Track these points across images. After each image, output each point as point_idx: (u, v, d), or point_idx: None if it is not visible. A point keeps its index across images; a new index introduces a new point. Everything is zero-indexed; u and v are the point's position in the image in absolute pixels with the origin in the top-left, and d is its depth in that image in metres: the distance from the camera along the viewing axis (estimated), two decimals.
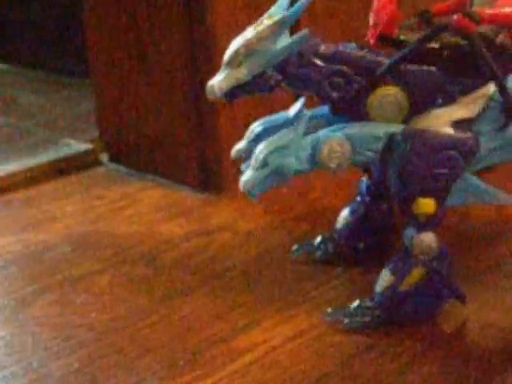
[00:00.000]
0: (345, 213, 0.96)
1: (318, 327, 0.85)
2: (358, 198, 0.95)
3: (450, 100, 0.82)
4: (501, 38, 0.82)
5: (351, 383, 0.77)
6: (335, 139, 0.81)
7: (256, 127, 0.86)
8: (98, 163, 1.34)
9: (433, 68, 0.81)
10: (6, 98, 1.70)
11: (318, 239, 0.98)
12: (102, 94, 1.36)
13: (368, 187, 0.94)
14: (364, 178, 0.94)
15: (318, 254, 0.97)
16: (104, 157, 1.35)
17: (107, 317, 0.89)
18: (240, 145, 0.86)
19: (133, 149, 1.32)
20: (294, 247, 0.98)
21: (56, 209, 1.18)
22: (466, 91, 0.82)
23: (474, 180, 0.83)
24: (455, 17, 0.80)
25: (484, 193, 0.84)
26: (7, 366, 0.81)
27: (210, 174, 1.21)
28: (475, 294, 0.89)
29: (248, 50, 0.80)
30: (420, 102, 0.82)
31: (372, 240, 0.95)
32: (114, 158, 1.34)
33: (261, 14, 0.82)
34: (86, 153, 1.36)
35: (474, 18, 0.79)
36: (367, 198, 0.94)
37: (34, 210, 1.18)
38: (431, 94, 0.82)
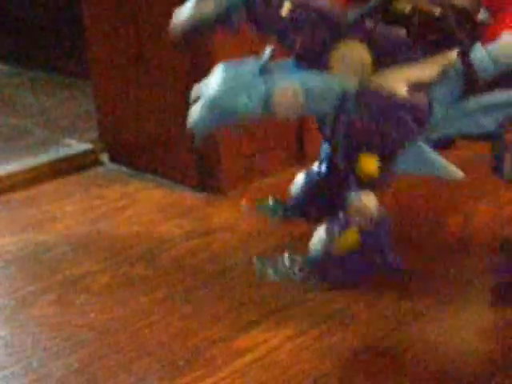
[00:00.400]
0: (300, 179, 0.94)
1: (318, 327, 0.85)
2: (315, 167, 0.93)
3: (413, 62, 0.81)
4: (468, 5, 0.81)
5: (351, 383, 0.77)
6: (289, 85, 0.79)
7: (221, 67, 0.83)
8: (98, 163, 1.34)
9: (401, 30, 0.80)
10: (5, 97, 1.71)
11: (271, 202, 0.97)
12: (101, 94, 1.36)
13: (327, 156, 0.92)
14: (325, 145, 0.92)
15: (272, 215, 0.97)
16: (104, 157, 1.35)
17: (107, 317, 0.89)
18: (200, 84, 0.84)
19: (133, 149, 1.32)
20: (245, 205, 0.99)
21: (56, 209, 1.18)
22: (430, 56, 0.81)
23: (426, 149, 0.82)
24: None
25: (434, 164, 0.82)
26: (7, 366, 0.81)
27: (210, 174, 1.21)
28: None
29: None
30: (383, 61, 0.80)
31: (325, 207, 0.93)
32: (114, 158, 1.34)
33: None
34: (86, 153, 1.36)
35: None
36: (324, 167, 0.92)
37: (34, 210, 1.18)
38: (395, 55, 0.80)
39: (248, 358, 0.81)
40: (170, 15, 1.21)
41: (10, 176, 1.28)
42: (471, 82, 0.79)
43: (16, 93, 1.73)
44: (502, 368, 0.78)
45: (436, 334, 0.83)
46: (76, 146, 1.38)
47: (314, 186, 0.93)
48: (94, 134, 1.38)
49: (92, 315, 0.90)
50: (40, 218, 1.15)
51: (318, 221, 0.90)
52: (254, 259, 0.86)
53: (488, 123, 0.81)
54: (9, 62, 1.89)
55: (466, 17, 0.80)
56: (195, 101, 0.82)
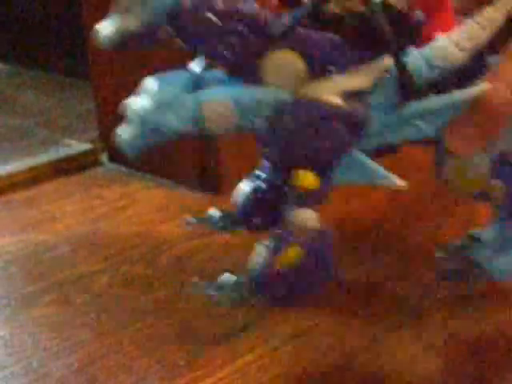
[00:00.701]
0: (244, 187, 0.88)
1: (319, 327, 0.85)
2: (258, 172, 0.87)
3: (347, 69, 0.75)
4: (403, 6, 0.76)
5: (351, 383, 0.77)
6: (219, 100, 0.73)
7: (150, 82, 0.77)
8: (98, 163, 1.34)
9: (333, 34, 0.74)
10: (6, 98, 1.71)
11: (216, 214, 0.91)
12: (101, 94, 1.36)
13: (267, 166, 0.86)
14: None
15: (215, 227, 0.90)
16: (104, 157, 1.35)
17: (107, 317, 0.89)
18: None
19: None
20: (189, 219, 0.90)
21: (56, 209, 1.18)
22: (364, 61, 0.75)
23: (363, 158, 0.77)
24: None
25: (373, 173, 0.77)
26: (7, 366, 0.81)
27: (210, 174, 1.21)
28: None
29: None
30: (318, 69, 0.74)
31: (271, 216, 0.86)
32: (113, 158, 1.34)
33: None
34: (86, 153, 1.36)
35: None
36: (265, 173, 0.86)
37: (34, 210, 1.18)
38: (330, 61, 0.74)
39: (248, 357, 0.81)
40: None
41: (10, 176, 1.28)
42: (407, 88, 0.74)
43: (16, 93, 1.73)
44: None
45: (415, 347, 0.82)
46: (76, 145, 1.38)
47: (259, 194, 0.87)
48: (94, 134, 1.38)
49: (92, 315, 0.89)
50: (40, 218, 1.15)
51: (263, 230, 0.85)
52: (191, 284, 0.83)
53: (428, 129, 0.76)
54: (9, 62, 1.89)
55: (398, 17, 0.75)
56: (123, 118, 0.77)
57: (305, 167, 0.74)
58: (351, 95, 0.74)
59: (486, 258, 0.84)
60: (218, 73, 0.77)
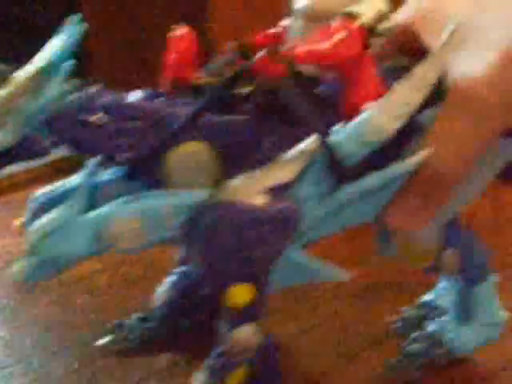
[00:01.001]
0: (164, 286, 0.80)
1: (319, 327, 0.85)
2: (181, 268, 0.79)
3: (266, 158, 0.63)
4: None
5: (352, 383, 0.77)
6: (124, 216, 0.62)
7: (39, 196, 0.68)
8: None
9: (245, 118, 0.64)
10: None
11: (132, 320, 0.82)
12: None
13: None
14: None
15: (132, 337, 0.82)
16: None
17: (107, 317, 0.89)
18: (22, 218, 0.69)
19: None
20: (104, 338, 0.83)
21: None
22: (284, 146, 0.64)
23: (300, 257, 0.66)
24: (258, 56, 0.64)
25: (312, 271, 0.67)
26: (7, 365, 0.81)
27: None
28: None
29: (1, 109, 0.63)
30: (232, 161, 0.63)
31: (200, 316, 0.80)
32: None
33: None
34: None
35: (282, 58, 0.63)
36: (187, 268, 0.78)
37: None
38: (245, 150, 0.63)
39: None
40: (171, 15, 1.21)
41: (10, 176, 1.28)
42: (338, 171, 0.63)
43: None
44: None
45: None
46: None
47: (186, 290, 0.80)
48: None
49: (92, 315, 0.90)
50: None
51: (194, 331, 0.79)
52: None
53: (369, 210, 0.66)
54: (9, 62, 1.89)
55: (311, 87, 0.65)
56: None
57: (236, 281, 0.64)
58: (276, 191, 0.62)
59: (445, 330, 0.75)
60: (117, 175, 0.66)
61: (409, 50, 0.69)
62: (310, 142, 0.63)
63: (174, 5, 1.22)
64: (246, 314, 0.65)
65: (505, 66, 0.58)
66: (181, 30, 0.69)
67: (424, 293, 0.83)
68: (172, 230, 0.63)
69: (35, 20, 1.84)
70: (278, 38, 0.69)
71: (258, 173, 0.63)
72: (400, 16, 0.71)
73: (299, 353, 0.82)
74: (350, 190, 0.64)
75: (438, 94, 0.63)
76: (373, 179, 0.64)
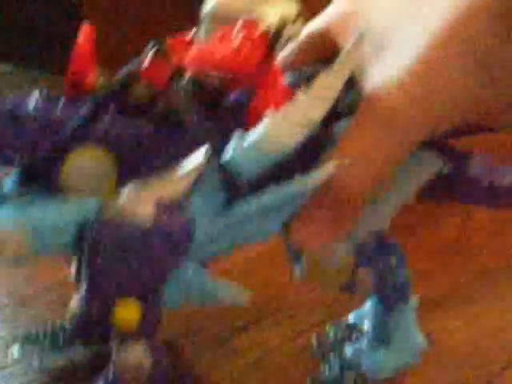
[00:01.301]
0: (73, 302, 0.77)
1: (319, 327, 0.85)
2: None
3: (164, 166, 0.60)
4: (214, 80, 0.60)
5: (352, 383, 0.77)
6: (10, 225, 0.59)
7: None
8: None
9: (144, 123, 0.61)
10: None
11: (41, 335, 0.79)
12: None
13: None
14: None
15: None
16: None
17: None
18: None
19: None
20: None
21: None
22: (181, 156, 0.60)
23: (197, 274, 0.64)
24: (147, 59, 0.61)
25: (212, 291, 0.65)
26: (7, 366, 0.81)
27: None
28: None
29: None
30: (129, 168, 0.60)
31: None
32: None
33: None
34: None
35: (170, 62, 0.60)
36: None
37: None
38: (142, 157, 0.60)
39: (248, 358, 0.81)
40: (172, 17, 1.22)
41: None
42: (234, 185, 0.60)
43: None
44: None
45: None
46: None
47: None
48: None
49: None
50: None
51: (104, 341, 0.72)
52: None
53: (271, 225, 0.62)
54: (9, 62, 1.90)
55: (209, 97, 0.61)
56: None
57: (125, 299, 0.61)
58: (166, 205, 0.59)
59: (360, 354, 0.71)
60: (15, 178, 0.62)
61: (329, 57, 0.61)
62: (197, 157, 0.59)
63: (175, 5, 1.22)
64: (135, 334, 0.62)
65: (423, 75, 0.53)
66: (84, 30, 0.66)
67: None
68: (62, 244, 0.62)
69: (35, 20, 1.84)
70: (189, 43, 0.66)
71: (150, 183, 0.59)
72: (318, 21, 0.67)
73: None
74: (247, 205, 0.60)
75: (353, 104, 0.58)
76: (271, 194, 0.59)
